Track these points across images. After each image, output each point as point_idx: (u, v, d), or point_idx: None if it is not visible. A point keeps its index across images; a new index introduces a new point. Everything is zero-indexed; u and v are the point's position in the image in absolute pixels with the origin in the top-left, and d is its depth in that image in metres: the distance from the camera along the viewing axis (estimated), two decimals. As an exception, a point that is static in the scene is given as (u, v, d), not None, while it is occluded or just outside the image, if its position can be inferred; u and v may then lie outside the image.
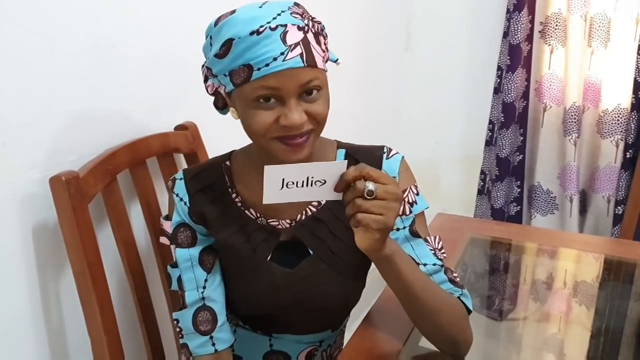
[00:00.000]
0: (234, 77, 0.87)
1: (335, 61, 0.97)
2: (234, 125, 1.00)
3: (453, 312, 0.94)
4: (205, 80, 0.96)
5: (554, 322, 1.22)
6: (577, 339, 1.16)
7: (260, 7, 0.87)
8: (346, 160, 0.83)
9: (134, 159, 1.21)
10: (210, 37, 0.90)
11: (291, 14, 0.87)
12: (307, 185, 0.81)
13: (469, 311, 0.98)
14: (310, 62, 0.86)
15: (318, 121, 0.90)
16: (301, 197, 0.82)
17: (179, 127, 1.34)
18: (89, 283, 1.05)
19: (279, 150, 0.90)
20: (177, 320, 1.05)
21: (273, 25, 0.84)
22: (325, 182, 0.81)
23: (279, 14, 0.85)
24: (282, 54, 0.84)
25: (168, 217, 1.06)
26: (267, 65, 0.84)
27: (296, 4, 0.90)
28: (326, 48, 0.93)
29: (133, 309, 1.23)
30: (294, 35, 0.85)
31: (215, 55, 0.88)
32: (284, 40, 0.84)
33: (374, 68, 2.37)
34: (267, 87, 0.85)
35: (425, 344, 0.98)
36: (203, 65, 0.94)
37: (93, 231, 1.08)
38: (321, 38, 0.91)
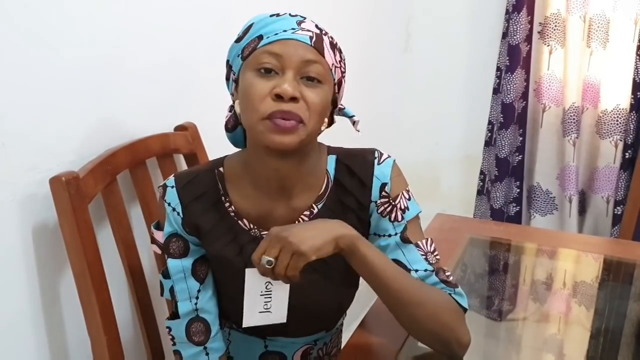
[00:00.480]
0: (245, 50, 0.90)
1: (351, 117, 1.00)
2: (234, 125, 1.00)
3: (436, 307, 0.92)
4: (231, 109, 0.99)
5: (554, 322, 1.22)
6: (577, 339, 1.16)
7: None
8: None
9: (134, 159, 1.21)
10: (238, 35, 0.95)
11: (312, 21, 0.93)
12: (269, 297, 0.90)
13: (464, 310, 0.96)
14: (318, 47, 0.89)
15: (309, 109, 0.88)
16: (278, 308, 0.92)
17: (179, 128, 1.34)
18: (89, 283, 1.05)
19: (268, 130, 0.87)
20: (170, 328, 1.04)
21: (293, 14, 0.92)
22: (269, 282, 0.89)
23: (301, 15, 0.92)
24: (292, 29, 0.88)
25: (159, 225, 1.03)
26: (276, 34, 0.88)
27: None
28: (340, 63, 0.94)
29: (133, 309, 1.23)
30: (310, 26, 0.91)
31: (236, 41, 0.93)
32: (299, 24, 0.90)
33: (373, 69, 2.37)
34: (271, 53, 0.87)
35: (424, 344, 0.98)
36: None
37: (93, 231, 1.08)
38: (336, 51, 0.93)
